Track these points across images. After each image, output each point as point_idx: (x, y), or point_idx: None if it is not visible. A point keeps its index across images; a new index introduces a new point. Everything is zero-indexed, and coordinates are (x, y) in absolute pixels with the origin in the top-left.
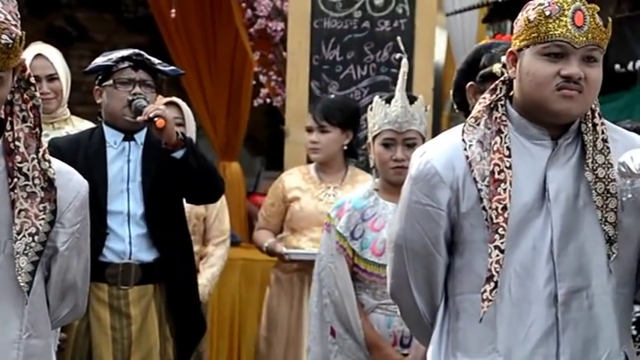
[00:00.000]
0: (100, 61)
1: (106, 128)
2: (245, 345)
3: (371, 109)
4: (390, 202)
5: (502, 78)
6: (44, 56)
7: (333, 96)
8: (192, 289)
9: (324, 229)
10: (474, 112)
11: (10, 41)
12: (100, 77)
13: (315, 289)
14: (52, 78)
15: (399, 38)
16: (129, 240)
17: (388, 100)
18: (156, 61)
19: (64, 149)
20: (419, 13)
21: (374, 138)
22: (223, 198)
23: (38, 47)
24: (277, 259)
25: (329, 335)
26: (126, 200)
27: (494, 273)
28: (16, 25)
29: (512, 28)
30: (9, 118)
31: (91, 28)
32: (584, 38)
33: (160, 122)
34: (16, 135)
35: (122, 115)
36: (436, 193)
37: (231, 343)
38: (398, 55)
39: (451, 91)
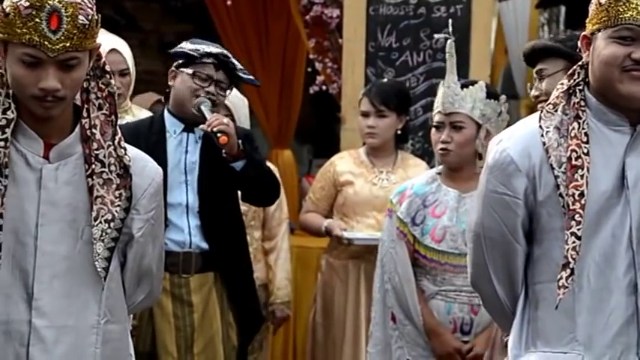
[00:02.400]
0: (187, 47)
1: (167, 116)
2: (300, 332)
3: None
4: (452, 189)
5: (580, 62)
6: (118, 51)
7: (385, 80)
8: (247, 279)
9: (387, 215)
10: (551, 98)
11: (87, 22)
12: (180, 61)
13: (378, 275)
14: (124, 73)
15: (450, 21)
16: (188, 231)
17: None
18: (238, 66)
19: (125, 137)
20: None
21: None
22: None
23: (112, 42)
24: (328, 244)
25: (390, 321)
26: (184, 192)
27: (570, 260)
28: (91, 8)
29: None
30: (85, 106)
31: (138, 16)
32: None
33: (222, 139)
34: (92, 122)
35: (189, 106)
36: (512, 181)
37: (287, 329)
38: (440, 36)
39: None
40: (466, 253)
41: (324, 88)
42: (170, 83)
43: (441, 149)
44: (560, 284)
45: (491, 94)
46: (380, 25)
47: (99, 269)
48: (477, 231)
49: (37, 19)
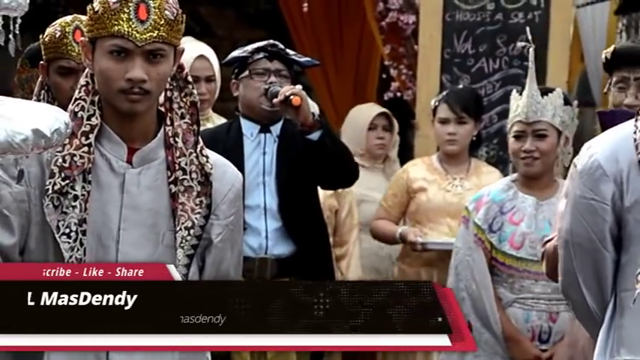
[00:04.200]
0: (236, 53)
1: (243, 121)
2: None
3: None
4: (530, 196)
5: None
6: (206, 57)
7: (461, 86)
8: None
9: (462, 222)
10: None
11: (173, 16)
12: (236, 70)
13: (451, 283)
14: (210, 79)
15: (527, 29)
16: (265, 234)
17: (522, 93)
18: (290, 52)
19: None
20: (554, 4)
21: (509, 131)
22: (353, 193)
23: (199, 48)
24: (401, 250)
25: None
26: (262, 194)
27: None
28: (176, 7)
29: None
30: (168, 114)
31: (213, 23)
32: None
33: (295, 100)
34: (175, 130)
35: (259, 104)
36: (600, 186)
37: None
38: (522, 44)
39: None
40: None
41: (398, 94)
42: (235, 94)
43: (527, 157)
44: (638, 279)
45: (567, 101)
46: (456, 32)
47: (179, 276)
48: (566, 237)
49: (126, 10)
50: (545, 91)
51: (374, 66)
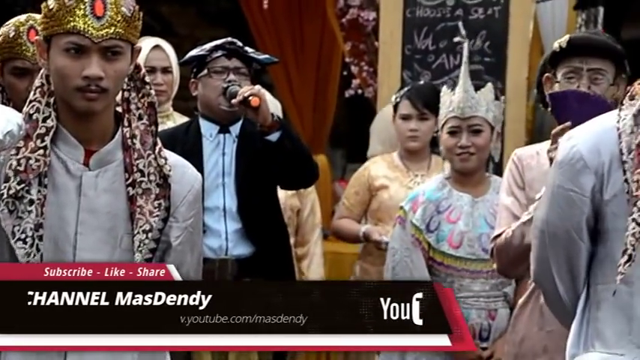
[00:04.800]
0: (194, 52)
1: (202, 121)
2: None
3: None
4: (464, 193)
5: None
6: (162, 48)
7: (422, 82)
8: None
9: (397, 223)
10: (633, 88)
11: (130, 13)
12: (194, 70)
13: None
14: (167, 71)
15: (460, 24)
16: (225, 236)
17: (453, 88)
18: (249, 49)
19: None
20: (513, 0)
21: (442, 127)
22: (315, 191)
23: (155, 40)
24: (363, 249)
25: None
26: (222, 195)
27: (628, 247)
28: (133, 5)
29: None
30: (126, 115)
31: (174, 21)
32: None
33: (254, 101)
34: (132, 132)
35: (217, 104)
36: (580, 178)
37: None
38: (458, 39)
39: (534, 88)
40: (483, 258)
41: (359, 91)
42: (195, 94)
43: (463, 153)
44: (618, 270)
45: (497, 96)
46: (416, 28)
47: None
48: (542, 227)
49: (82, 6)
50: (477, 87)
51: (335, 63)
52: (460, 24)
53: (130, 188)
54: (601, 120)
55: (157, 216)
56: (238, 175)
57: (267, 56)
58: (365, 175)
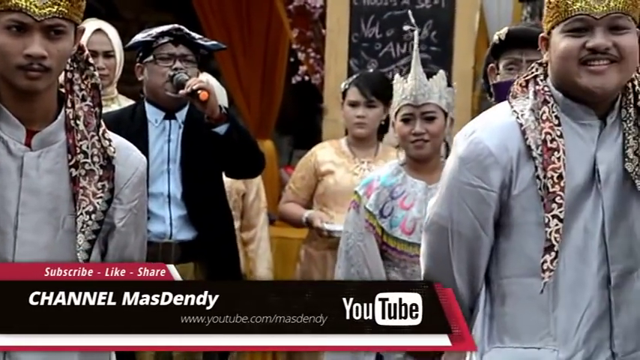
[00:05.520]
0: (140, 37)
1: (147, 106)
2: None
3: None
4: (419, 180)
5: (539, 60)
6: (104, 32)
7: (371, 70)
8: (234, 266)
9: (351, 207)
10: (512, 89)
11: None
12: (140, 54)
13: (342, 268)
14: (109, 55)
15: (410, 12)
16: (170, 222)
17: (406, 76)
18: (196, 35)
19: (107, 126)
20: None
21: (395, 115)
22: (260, 176)
23: (98, 23)
24: (307, 234)
25: None
26: (167, 182)
27: (554, 243)
28: None
29: None
30: (69, 96)
31: (120, 5)
32: (605, 7)
33: (203, 95)
34: (76, 113)
35: (164, 91)
36: (489, 174)
37: None
38: (407, 28)
39: (481, 78)
40: None
41: (306, 78)
42: (140, 79)
43: (417, 140)
44: (545, 267)
45: (449, 83)
46: (363, 16)
47: (80, 261)
48: (443, 224)
49: None
50: (429, 74)
51: (282, 50)
52: (409, 12)
53: (72, 169)
54: (497, 116)
55: (101, 197)
56: (184, 162)
57: (214, 42)
58: (311, 160)
